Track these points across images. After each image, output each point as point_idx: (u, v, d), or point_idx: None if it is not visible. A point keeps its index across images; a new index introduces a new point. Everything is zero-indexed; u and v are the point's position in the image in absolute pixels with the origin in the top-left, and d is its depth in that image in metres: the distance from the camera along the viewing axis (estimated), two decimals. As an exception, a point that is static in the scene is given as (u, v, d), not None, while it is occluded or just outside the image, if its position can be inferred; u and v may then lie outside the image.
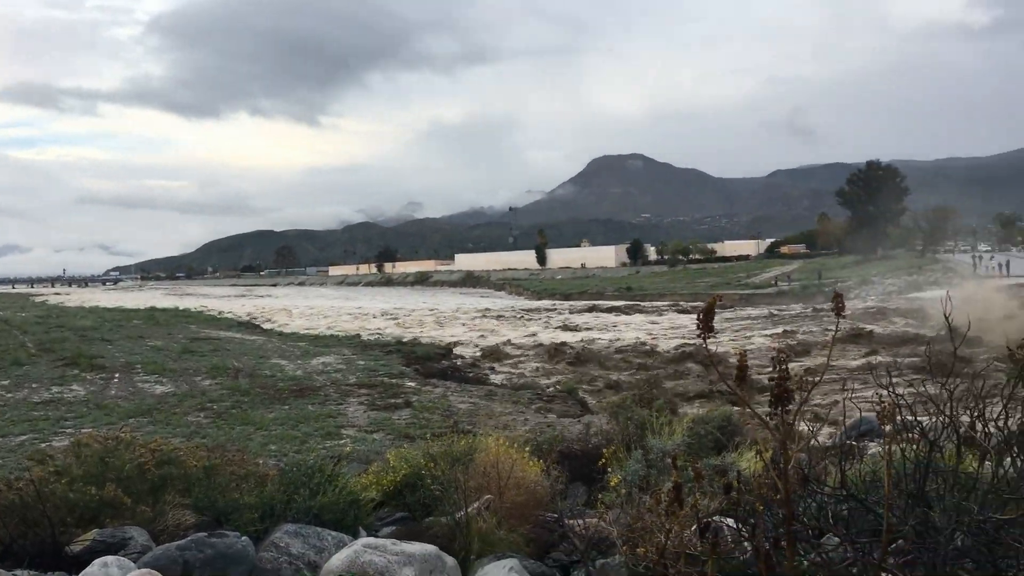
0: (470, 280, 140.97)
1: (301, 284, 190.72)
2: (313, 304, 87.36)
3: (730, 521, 4.53)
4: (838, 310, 3.00)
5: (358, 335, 39.37)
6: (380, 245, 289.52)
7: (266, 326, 50.01)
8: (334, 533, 4.93)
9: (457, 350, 34.59)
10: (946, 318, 3.75)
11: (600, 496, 6.19)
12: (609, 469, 6.45)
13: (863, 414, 6.85)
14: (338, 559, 4.25)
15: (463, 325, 52.24)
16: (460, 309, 69.89)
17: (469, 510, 5.01)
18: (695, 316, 3.23)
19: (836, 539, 4.03)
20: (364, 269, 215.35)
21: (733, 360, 3.69)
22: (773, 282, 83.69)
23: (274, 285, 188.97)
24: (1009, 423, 4.25)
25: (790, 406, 3.04)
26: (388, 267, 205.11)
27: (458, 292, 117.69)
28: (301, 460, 6.43)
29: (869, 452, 6.57)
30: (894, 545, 3.86)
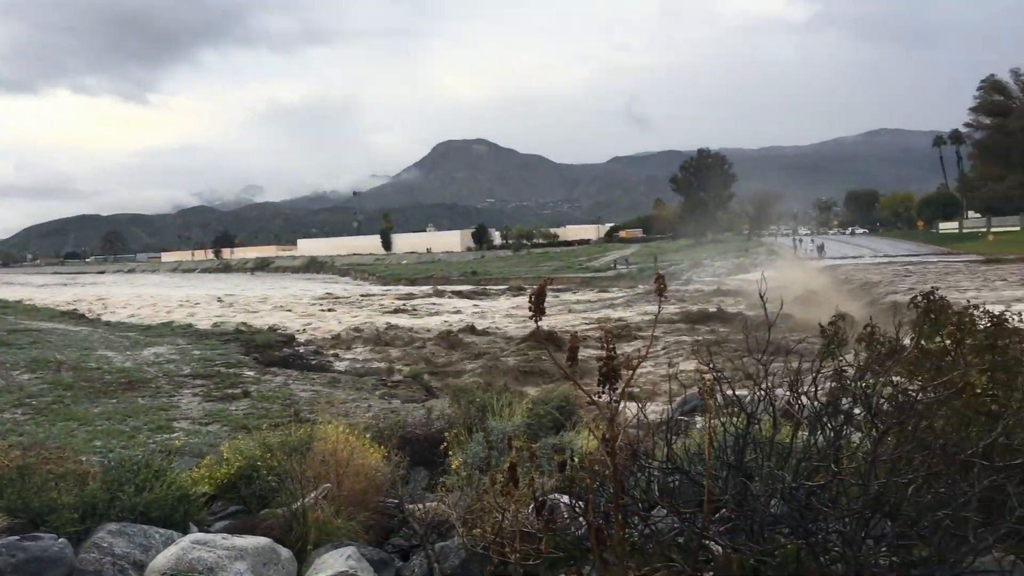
0: (314, 266, 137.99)
1: (131, 271, 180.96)
2: (144, 292, 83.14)
3: (566, 498, 4.64)
4: (660, 291, 3.11)
5: (193, 324, 37.80)
6: (218, 230, 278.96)
7: (92, 316, 47.21)
8: (162, 531, 4.73)
9: (300, 337, 33.82)
10: (761, 298, 3.97)
11: (442, 480, 6.21)
12: (451, 452, 6.48)
13: (689, 391, 7.19)
14: (164, 557, 4.07)
15: (306, 311, 51.15)
16: (303, 295, 68.37)
17: (306, 500, 4.91)
18: (535, 298, 3.28)
19: (664, 511, 4.22)
20: (200, 255, 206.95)
21: (589, 342, 3.77)
22: (612, 265, 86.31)
23: (101, 273, 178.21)
24: (819, 395, 4.55)
25: (617, 384, 3.14)
26: (226, 253, 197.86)
27: (301, 278, 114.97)
28: (127, 456, 6.12)
29: (697, 427, 6.89)
30: (718, 514, 4.07)
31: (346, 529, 4.84)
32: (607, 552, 3.37)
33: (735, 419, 4.22)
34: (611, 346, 3.08)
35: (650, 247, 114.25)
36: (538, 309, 3.09)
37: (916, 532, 3.73)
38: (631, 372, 3.10)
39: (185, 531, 4.86)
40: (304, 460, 5.48)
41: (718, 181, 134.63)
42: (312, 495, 4.98)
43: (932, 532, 3.83)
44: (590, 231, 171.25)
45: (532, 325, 3.19)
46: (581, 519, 4.18)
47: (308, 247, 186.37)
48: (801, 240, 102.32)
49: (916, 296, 5.57)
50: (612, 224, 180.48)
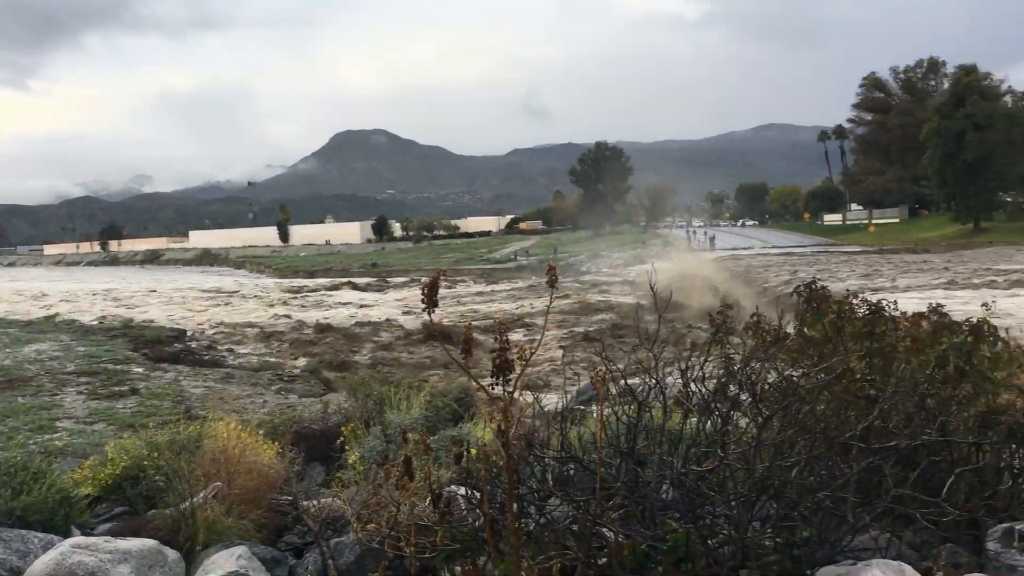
0: (207, 258, 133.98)
1: (11, 265, 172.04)
2: (25, 286, 79.24)
3: (464, 490, 4.65)
4: (551, 282, 3.14)
5: (77, 319, 36.23)
6: (104, 221, 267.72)
7: (-34, 312, 44.69)
8: (41, 535, 4.52)
9: (192, 331, 32.83)
10: (651, 288, 4.05)
11: (338, 475, 6.13)
12: (348, 447, 6.40)
13: (584, 381, 7.31)
14: (42, 563, 3.89)
15: (199, 305, 49.69)
16: (196, 288, 66.35)
17: (195, 500, 4.77)
18: (427, 290, 3.26)
19: (560, 500, 4.26)
20: (86, 247, 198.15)
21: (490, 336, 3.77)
22: (513, 257, 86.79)
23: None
24: (708, 383, 4.68)
25: (511, 376, 3.16)
26: (114, 245, 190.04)
27: (194, 271, 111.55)
28: (3, 458, 5.82)
29: (593, 416, 7.00)
30: (612, 502, 4.14)
31: (237, 528, 4.72)
32: (502, 543, 3.39)
33: (628, 408, 4.30)
34: (504, 338, 3.09)
35: (550, 239, 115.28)
36: (431, 301, 3.08)
37: (798, 513, 3.87)
38: (524, 363, 3.12)
39: (66, 535, 4.66)
40: (193, 458, 5.32)
41: (615, 173, 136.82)
42: (202, 494, 4.84)
43: (814, 513, 3.99)
44: (491, 223, 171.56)
45: (434, 317, 3.17)
46: (478, 510, 4.20)
47: (201, 239, 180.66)
48: (695, 232, 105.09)
49: (799, 286, 5.79)
50: (513, 216, 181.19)
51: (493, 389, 3.16)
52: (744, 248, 78.16)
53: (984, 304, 6.46)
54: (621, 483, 3.85)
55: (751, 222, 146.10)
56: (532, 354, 3.07)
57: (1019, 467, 4.95)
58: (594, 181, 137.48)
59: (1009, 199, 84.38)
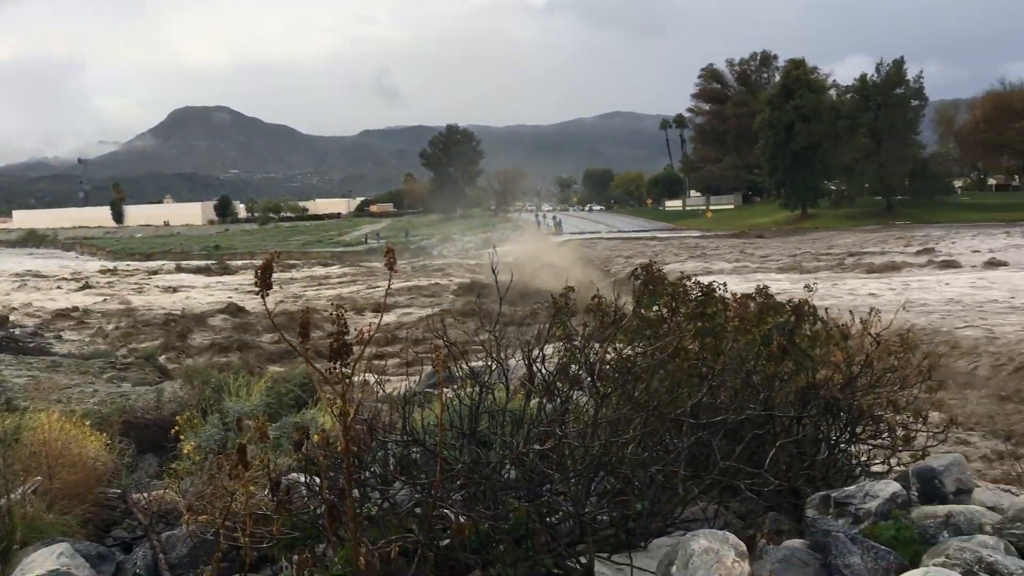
0: (33, 239, 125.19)
1: None
2: None
3: (305, 477, 4.55)
4: (390, 264, 3.10)
5: None
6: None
7: None
8: None
9: (14, 317, 30.66)
10: (493, 271, 4.08)
11: (172, 466, 5.88)
12: (183, 437, 6.14)
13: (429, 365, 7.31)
14: None
15: (22, 289, 46.45)
16: (19, 272, 61.98)
17: (12, 496, 4.46)
18: (260, 273, 3.15)
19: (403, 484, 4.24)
20: None
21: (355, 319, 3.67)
22: (364, 240, 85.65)
23: None
24: (550, 363, 4.76)
25: (349, 359, 3.10)
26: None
27: (18, 253, 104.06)
28: None
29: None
30: (457, 483, 4.16)
31: (60, 524, 4.46)
32: (342, 529, 3.34)
33: (471, 389, 4.32)
34: (342, 321, 3.03)
35: (401, 221, 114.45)
36: (264, 284, 2.98)
37: (633, 488, 4.01)
38: (363, 347, 3.07)
39: None
40: (11, 452, 4.97)
41: (466, 157, 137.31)
42: (19, 490, 4.53)
43: (648, 487, 4.14)
44: (341, 205, 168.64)
45: (281, 300, 3.07)
46: (319, 497, 4.12)
47: (26, 219, 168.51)
48: (544, 216, 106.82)
49: (636, 269, 5.97)
50: (363, 198, 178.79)
51: (331, 373, 3.10)
52: (591, 232, 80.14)
53: (806, 286, 6.87)
54: (463, 465, 3.87)
55: (599, 207, 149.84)
56: (371, 337, 3.03)
57: (835, 438, 5.31)
58: (445, 164, 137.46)
59: (833, 187, 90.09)
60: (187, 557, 4.17)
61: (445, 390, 4.43)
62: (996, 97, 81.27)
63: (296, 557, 3.38)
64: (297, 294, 37.88)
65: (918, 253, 40.11)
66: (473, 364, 4.34)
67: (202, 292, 42.58)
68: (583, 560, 3.70)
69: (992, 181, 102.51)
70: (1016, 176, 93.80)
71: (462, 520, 3.72)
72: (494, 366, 4.25)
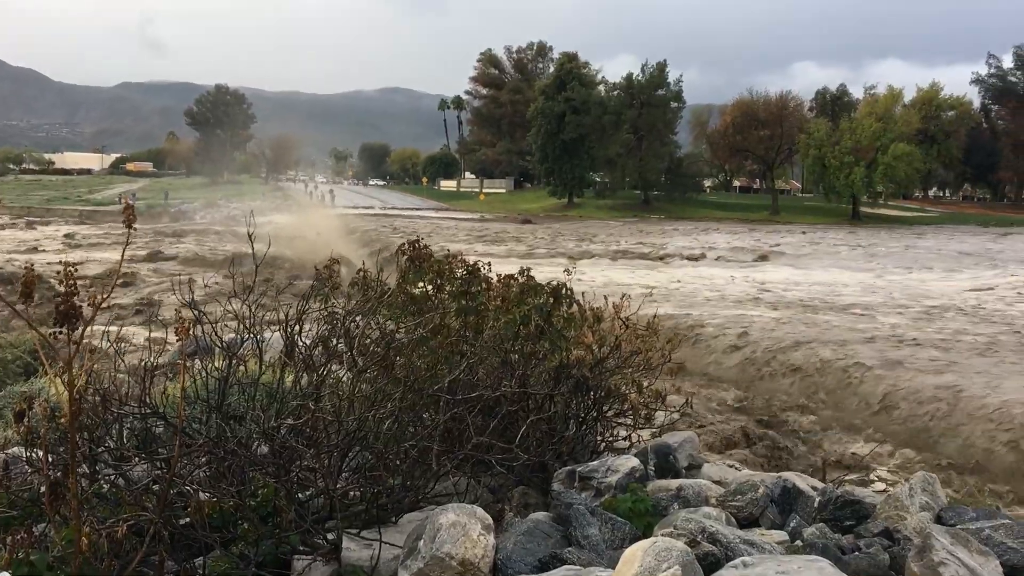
0: None
1: None
2: None
3: (28, 452, 4.15)
4: (128, 223, 2.87)
5: None
6: None
7: None
8: None
9: None
10: (250, 237, 3.90)
11: None
12: None
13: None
14: None
15: None
16: None
17: None
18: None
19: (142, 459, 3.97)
20: None
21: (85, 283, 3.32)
22: (118, 200, 79.71)
23: None
24: (310, 336, 4.64)
25: (78, 324, 2.85)
26: None
27: None
28: None
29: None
30: (204, 459, 3.94)
31: None
32: (64, 507, 3.07)
33: (221, 361, 4.12)
34: (71, 283, 2.77)
35: (161, 183, 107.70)
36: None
37: (386, 463, 3.99)
38: (94, 311, 2.83)
39: None
40: None
41: (236, 120, 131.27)
42: None
43: (402, 462, 4.14)
44: (93, 160, 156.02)
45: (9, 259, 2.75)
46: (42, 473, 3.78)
47: None
48: (317, 187, 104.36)
49: (403, 244, 5.95)
50: (120, 155, 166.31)
51: (56, 339, 2.83)
52: (364, 207, 79.28)
53: (566, 270, 7.15)
54: (208, 439, 3.68)
55: (379, 182, 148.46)
56: (103, 301, 2.79)
57: (583, 416, 5.56)
58: (213, 126, 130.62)
59: (597, 179, 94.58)
60: None
61: (196, 362, 4.20)
62: (744, 105, 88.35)
63: (10, 539, 3.07)
64: (37, 257, 34.63)
65: (671, 245, 43.06)
66: (228, 336, 4.14)
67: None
68: (330, 536, 3.64)
69: (737, 183, 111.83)
70: (757, 180, 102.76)
71: (204, 497, 3.54)
72: (247, 336, 4.08)
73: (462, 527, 3.35)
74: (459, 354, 4.99)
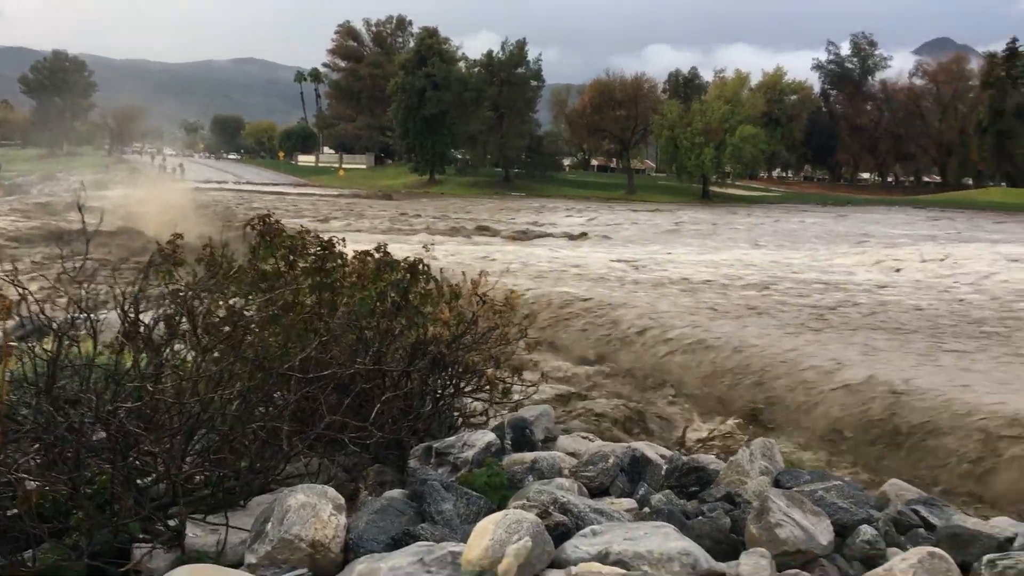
0: None
1: None
2: None
3: None
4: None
5: None
6: None
7: None
8: None
9: None
10: (80, 209, 3.66)
11: None
12: None
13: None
14: None
15: None
16: None
17: None
18: None
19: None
20: None
21: None
22: (-60, 171, 73.78)
23: None
24: (152, 314, 4.42)
25: None
26: None
27: None
28: None
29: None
30: (35, 446, 3.69)
31: None
32: None
33: (51, 342, 3.87)
34: None
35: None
36: None
37: (232, 445, 3.86)
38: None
39: None
40: None
41: (76, 88, 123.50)
42: None
43: (250, 443, 4.01)
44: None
45: None
46: None
47: None
48: (165, 160, 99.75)
49: (253, 219, 5.75)
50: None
51: None
52: (217, 181, 76.43)
53: (424, 246, 7.10)
54: (36, 424, 3.45)
55: (234, 156, 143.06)
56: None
57: (440, 392, 5.56)
58: (50, 93, 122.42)
59: (459, 156, 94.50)
60: None
61: (23, 344, 3.92)
62: (601, 85, 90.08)
63: None
64: None
65: (534, 223, 43.55)
66: (58, 316, 3.88)
67: None
68: (172, 523, 3.49)
69: (595, 162, 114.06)
70: (615, 159, 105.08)
71: (32, 486, 3.33)
72: (79, 315, 3.84)
73: (312, 508, 3.27)
74: (313, 332, 4.88)
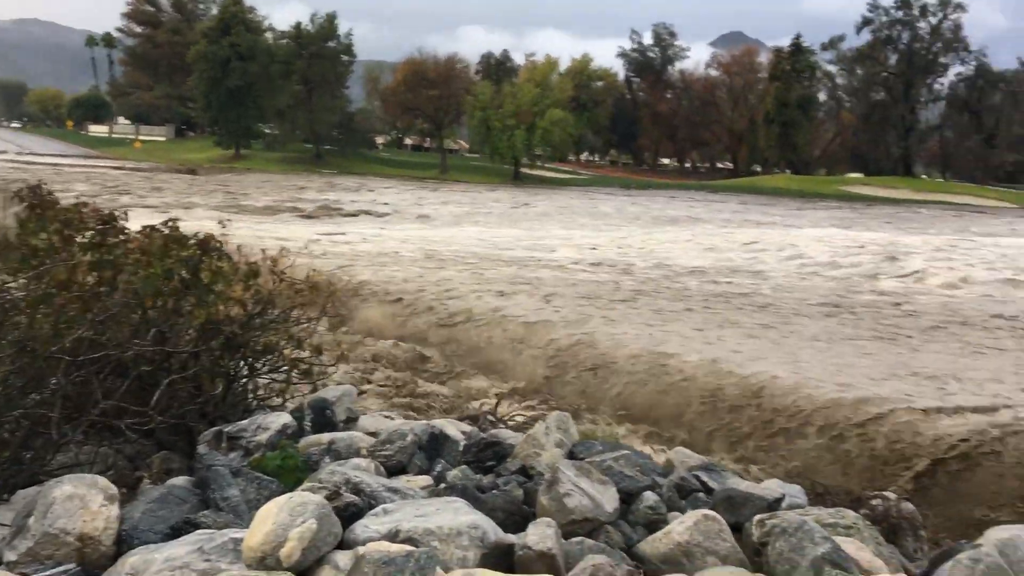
0: None
1: None
2: None
3: None
4: None
5: None
6: None
7: None
8: None
9: None
10: None
11: None
12: None
13: None
14: None
15: None
16: None
17: None
18: None
19: None
20: None
21: None
22: None
23: None
24: None
25: None
26: None
27: None
28: None
29: None
30: None
31: None
32: None
33: None
34: None
35: None
36: None
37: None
38: None
39: None
40: None
41: None
42: None
43: (13, 432, 3.69)
44: None
45: None
46: None
47: None
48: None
49: (22, 189, 5.29)
50: None
51: None
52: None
53: (220, 222, 6.77)
54: None
55: (15, 124, 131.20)
56: None
57: (233, 373, 5.33)
58: None
59: (267, 130, 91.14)
60: None
61: None
62: (414, 64, 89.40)
63: None
64: None
65: (347, 201, 42.80)
66: None
67: None
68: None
69: (409, 141, 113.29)
70: (428, 139, 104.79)
71: None
72: None
73: (80, 499, 3.05)
74: (88, 311, 4.55)
